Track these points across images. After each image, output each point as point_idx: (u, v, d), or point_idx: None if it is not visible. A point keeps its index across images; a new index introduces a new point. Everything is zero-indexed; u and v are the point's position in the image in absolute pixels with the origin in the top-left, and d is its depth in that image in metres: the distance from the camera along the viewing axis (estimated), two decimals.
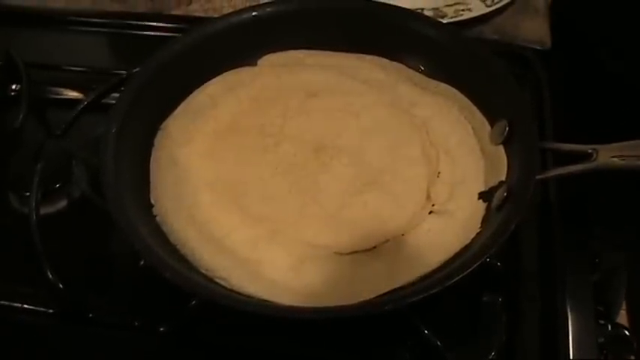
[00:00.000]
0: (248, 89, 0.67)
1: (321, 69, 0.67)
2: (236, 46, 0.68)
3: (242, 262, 0.55)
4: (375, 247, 0.56)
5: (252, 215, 0.58)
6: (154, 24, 0.83)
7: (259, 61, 0.69)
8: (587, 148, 0.56)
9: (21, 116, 0.71)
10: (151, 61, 0.65)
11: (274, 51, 0.69)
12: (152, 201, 0.59)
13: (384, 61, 0.68)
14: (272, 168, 0.61)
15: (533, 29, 0.79)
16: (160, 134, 0.63)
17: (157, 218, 0.58)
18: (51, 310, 0.59)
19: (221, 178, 0.60)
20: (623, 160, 0.54)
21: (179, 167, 0.61)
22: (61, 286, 0.58)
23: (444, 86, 0.65)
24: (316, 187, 0.60)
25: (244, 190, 0.60)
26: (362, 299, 0.51)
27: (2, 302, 0.60)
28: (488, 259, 0.51)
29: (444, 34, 0.66)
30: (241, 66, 0.69)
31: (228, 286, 0.53)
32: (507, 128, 0.59)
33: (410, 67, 0.66)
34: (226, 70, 0.68)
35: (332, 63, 0.68)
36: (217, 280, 0.54)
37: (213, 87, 0.67)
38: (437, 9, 0.80)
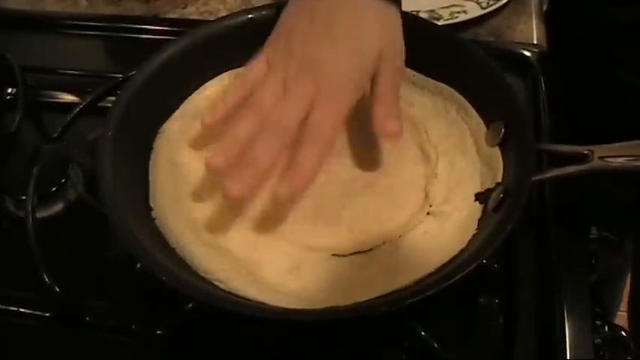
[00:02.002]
0: None
1: None
2: (232, 48, 0.68)
3: (240, 264, 0.55)
4: (371, 250, 0.56)
5: (252, 218, 0.58)
6: (150, 27, 0.82)
7: None
8: (583, 149, 0.56)
9: (17, 120, 0.71)
10: (147, 64, 0.65)
11: None
12: (151, 204, 0.59)
13: None
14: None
15: (529, 31, 0.80)
16: (158, 137, 0.63)
17: (156, 221, 0.58)
18: (47, 314, 0.59)
19: (220, 181, 0.60)
20: (619, 160, 0.55)
21: (178, 170, 0.61)
22: (57, 289, 0.58)
23: (442, 86, 0.65)
24: (316, 188, 0.60)
25: None
26: (359, 301, 0.51)
27: None
28: (484, 261, 0.51)
29: (440, 36, 0.66)
30: (239, 67, 0.69)
31: (227, 289, 0.53)
32: (503, 130, 0.59)
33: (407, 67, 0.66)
34: (224, 72, 0.68)
35: None
36: (215, 283, 0.54)
37: (212, 88, 0.67)
38: (432, 11, 0.80)
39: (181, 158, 0.62)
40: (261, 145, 0.54)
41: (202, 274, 0.54)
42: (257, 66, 0.60)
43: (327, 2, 0.58)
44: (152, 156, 0.62)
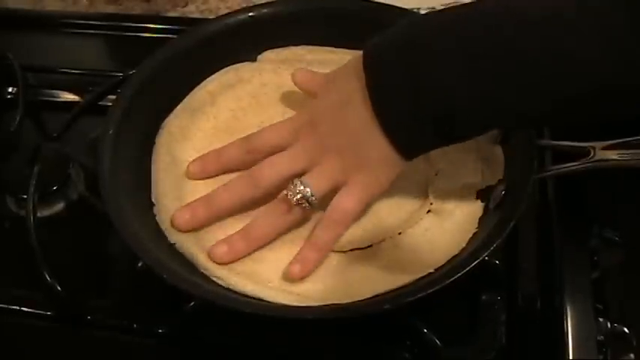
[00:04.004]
0: (247, 86, 0.67)
1: (321, 65, 0.67)
2: (233, 46, 0.68)
3: (239, 260, 0.55)
4: (371, 246, 0.56)
5: (250, 214, 0.58)
6: (150, 25, 0.82)
7: (259, 57, 0.69)
8: (585, 145, 0.56)
9: (17, 119, 0.71)
10: (147, 62, 0.65)
11: (273, 48, 0.69)
12: (153, 200, 0.59)
13: None
14: None
15: None
16: (160, 133, 0.63)
17: (157, 217, 0.58)
18: (49, 313, 0.59)
19: (220, 176, 0.60)
20: (621, 157, 0.54)
21: (179, 165, 0.61)
22: (59, 288, 0.58)
23: None
24: None
25: None
26: (360, 298, 0.51)
27: (0, 305, 0.60)
28: (486, 258, 0.51)
29: None
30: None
31: (226, 286, 0.53)
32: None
33: None
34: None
35: (332, 59, 0.68)
36: (215, 279, 0.54)
37: (213, 84, 0.67)
38: (432, 9, 0.80)
39: (182, 154, 0.62)
40: (228, 189, 0.57)
41: (202, 271, 0.54)
42: (275, 131, 0.58)
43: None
44: (154, 152, 0.62)
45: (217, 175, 0.60)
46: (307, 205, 0.54)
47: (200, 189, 0.59)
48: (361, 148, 0.53)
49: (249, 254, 0.56)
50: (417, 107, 0.50)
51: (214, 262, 0.55)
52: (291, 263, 0.54)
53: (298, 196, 0.53)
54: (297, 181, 0.54)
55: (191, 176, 0.60)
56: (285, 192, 0.54)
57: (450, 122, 0.50)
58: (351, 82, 0.53)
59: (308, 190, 0.53)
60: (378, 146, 0.52)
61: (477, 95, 0.48)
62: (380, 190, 0.55)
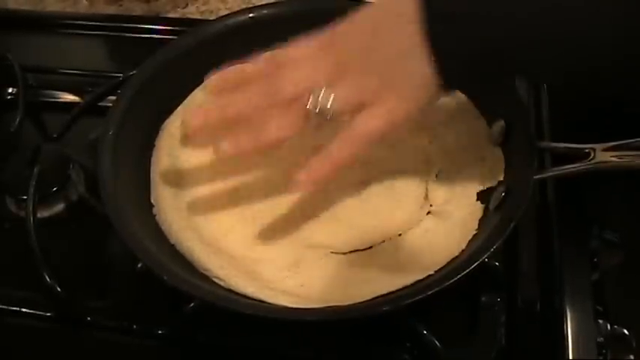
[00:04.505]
0: None
1: None
2: (233, 48, 0.68)
3: (239, 261, 0.55)
4: (371, 247, 0.56)
5: (251, 214, 0.58)
6: (150, 26, 0.82)
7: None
8: (585, 147, 0.56)
9: (17, 120, 0.71)
10: (147, 63, 0.65)
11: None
12: (152, 201, 0.59)
13: None
14: (271, 167, 0.61)
15: None
16: (160, 134, 0.63)
17: (157, 217, 0.58)
18: (49, 314, 0.59)
19: (220, 178, 0.60)
20: (621, 159, 0.54)
21: (179, 166, 0.61)
22: (59, 289, 0.58)
23: None
24: None
25: (243, 190, 0.60)
26: (360, 300, 0.51)
27: (0, 306, 0.60)
28: (486, 260, 0.51)
29: None
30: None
31: (226, 286, 0.53)
32: (505, 128, 0.59)
33: None
34: None
35: None
36: (215, 280, 0.54)
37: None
38: None
39: (182, 155, 0.62)
40: (244, 95, 0.53)
41: (202, 271, 0.54)
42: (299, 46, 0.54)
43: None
44: (154, 152, 0.62)
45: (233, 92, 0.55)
46: (326, 115, 0.50)
47: (200, 190, 0.59)
48: (400, 64, 0.49)
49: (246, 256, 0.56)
50: (470, 32, 0.47)
51: (217, 155, 0.53)
52: (297, 172, 0.51)
53: (320, 102, 0.50)
54: (320, 91, 0.50)
55: (211, 88, 0.56)
56: (305, 98, 0.50)
57: (493, 55, 0.48)
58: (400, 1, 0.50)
59: (331, 100, 0.50)
60: (419, 63, 0.49)
61: (525, 39, 0.47)
62: (406, 115, 0.51)
